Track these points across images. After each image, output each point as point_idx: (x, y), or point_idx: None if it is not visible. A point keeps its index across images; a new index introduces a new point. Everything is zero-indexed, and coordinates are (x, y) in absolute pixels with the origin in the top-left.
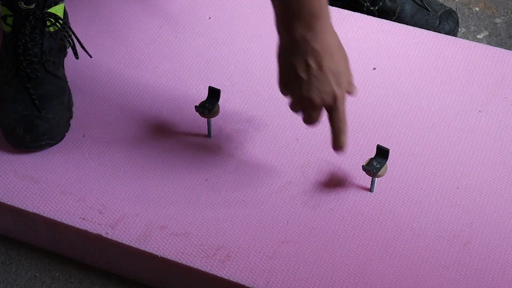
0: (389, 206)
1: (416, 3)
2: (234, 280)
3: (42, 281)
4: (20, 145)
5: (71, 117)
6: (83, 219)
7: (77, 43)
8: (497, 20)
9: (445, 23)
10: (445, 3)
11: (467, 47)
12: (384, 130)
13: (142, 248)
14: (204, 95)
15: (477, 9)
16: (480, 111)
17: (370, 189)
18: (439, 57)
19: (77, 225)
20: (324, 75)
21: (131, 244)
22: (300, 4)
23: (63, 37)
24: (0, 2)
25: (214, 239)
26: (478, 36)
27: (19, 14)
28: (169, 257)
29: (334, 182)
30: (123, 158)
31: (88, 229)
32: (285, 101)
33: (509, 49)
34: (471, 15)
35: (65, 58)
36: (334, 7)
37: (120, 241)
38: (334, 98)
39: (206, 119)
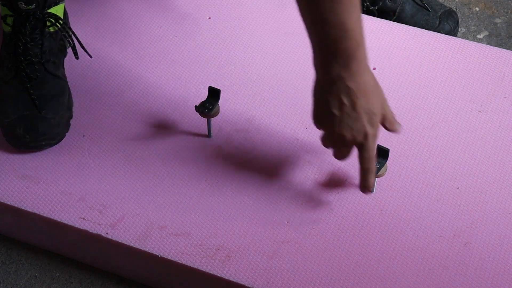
0: (389, 206)
1: (416, 3)
2: (234, 280)
3: (42, 281)
4: (20, 145)
5: (71, 117)
6: (83, 219)
7: (77, 43)
8: (497, 20)
9: (445, 23)
10: (445, 3)
11: (467, 47)
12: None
13: (142, 248)
14: (204, 95)
15: (477, 9)
16: (480, 111)
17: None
18: (439, 57)
19: (77, 225)
20: (357, 113)
21: (131, 244)
22: (337, 44)
23: (63, 37)
24: (0, 2)
25: (214, 239)
26: (478, 36)
27: (19, 14)
28: (169, 257)
29: (334, 182)
30: (123, 158)
31: (88, 229)
32: (285, 101)
33: (509, 49)
34: (471, 15)
35: (65, 58)
36: None
37: (120, 241)
38: (365, 136)
39: (206, 119)
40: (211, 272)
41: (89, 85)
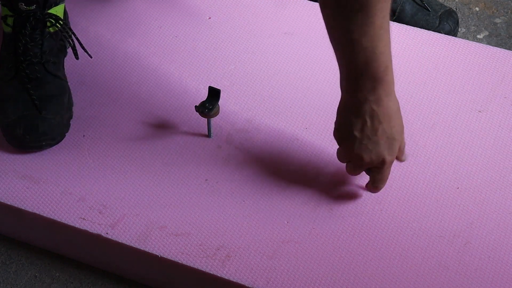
0: (389, 206)
1: (416, 3)
2: (234, 280)
3: (42, 281)
4: (20, 145)
5: (71, 117)
6: (83, 219)
7: (77, 43)
8: (497, 20)
9: (445, 23)
10: (445, 3)
11: (467, 47)
12: None
13: (142, 248)
14: (204, 95)
15: (477, 9)
16: (480, 111)
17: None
18: (439, 57)
19: (77, 225)
20: (377, 137)
21: (131, 244)
22: (367, 67)
23: (63, 38)
24: (0, 3)
25: (214, 239)
26: (478, 36)
27: (20, 15)
28: (169, 257)
29: (334, 182)
30: (123, 158)
31: (88, 229)
32: (285, 101)
33: (509, 49)
34: (471, 15)
35: (65, 58)
36: None
37: (120, 241)
38: (383, 162)
39: (206, 119)
40: (211, 272)
41: (89, 85)
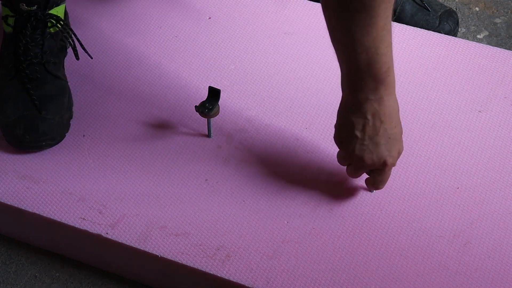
0: (389, 206)
1: (416, 3)
2: (234, 280)
3: (42, 281)
4: (20, 145)
5: (71, 117)
6: (83, 219)
7: (78, 43)
8: (497, 20)
9: (445, 23)
10: (445, 3)
11: (467, 47)
12: None
13: (142, 248)
14: (204, 95)
15: (477, 9)
16: (480, 111)
17: (370, 189)
18: (439, 57)
19: (77, 225)
20: (379, 137)
21: (131, 244)
22: (369, 68)
23: (64, 38)
24: (1, 3)
25: (214, 239)
26: (478, 36)
27: (21, 15)
28: (169, 257)
29: (334, 182)
30: (123, 158)
31: (88, 229)
32: (285, 101)
33: (509, 49)
34: (471, 15)
35: (65, 58)
36: None
37: (120, 241)
38: (384, 164)
39: (206, 119)
40: (211, 272)
41: (89, 85)
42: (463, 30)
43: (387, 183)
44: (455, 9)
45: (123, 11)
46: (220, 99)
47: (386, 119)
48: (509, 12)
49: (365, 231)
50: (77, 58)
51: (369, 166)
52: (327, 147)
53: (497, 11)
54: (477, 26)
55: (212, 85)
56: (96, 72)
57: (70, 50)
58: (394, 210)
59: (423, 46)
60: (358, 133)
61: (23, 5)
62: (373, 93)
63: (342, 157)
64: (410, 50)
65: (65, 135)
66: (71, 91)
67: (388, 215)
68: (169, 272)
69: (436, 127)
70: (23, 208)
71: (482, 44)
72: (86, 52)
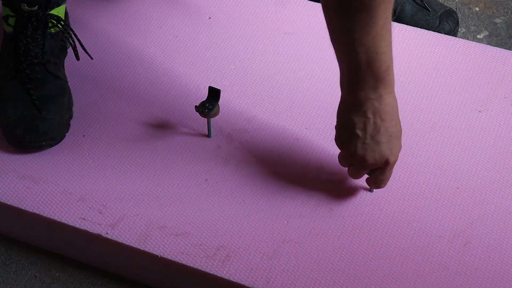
0: (389, 206)
1: (416, 3)
2: (234, 280)
3: (42, 281)
4: (20, 145)
5: (71, 117)
6: (83, 219)
7: (78, 44)
8: (497, 20)
9: (445, 23)
10: (445, 3)
11: (467, 47)
12: None
13: (142, 248)
14: (204, 95)
15: (477, 9)
16: (480, 111)
17: (370, 189)
18: (439, 57)
19: (77, 225)
20: (380, 135)
21: (131, 244)
22: (369, 67)
23: (65, 38)
24: (1, 2)
25: (214, 239)
26: (478, 36)
27: (21, 15)
28: (169, 257)
29: (334, 182)
30: (123, 158)
31: (88, 229)
32: (285, 101)
33: (509, 49)
34: (471, 15)
35: (65, 58)
36: None
37: (120, 241)
38: (386, 163)
39: (206, 119)
40: (211, 272)
41: (89, 85)
42: (463, 30)
43: (387, 184)
44: (455, 9)
45: (123, 11)
46: (220, 99)
47: (386, 117)
48: (509, 12)
49: (365, 231)
50: (78, 58)
51: (371, 166)
52: (327, 147)
53: (497, 11)
54: (477, 26)
55: (212, 85)
56: (96, 72)
57: (70, 50)
58: (394, 210)
59: (423, 46)
60: (359, 132)
61: (24, 5)
62: (373, 92)
63: (343, 158)
64: (410, 50)
65: (65, 135)
66: (71, 91)
67: (388, 215)
68: (169, 272)
69: (436, 127)
70: (23, 208)
71: (482, 44)
72: (86, 52)
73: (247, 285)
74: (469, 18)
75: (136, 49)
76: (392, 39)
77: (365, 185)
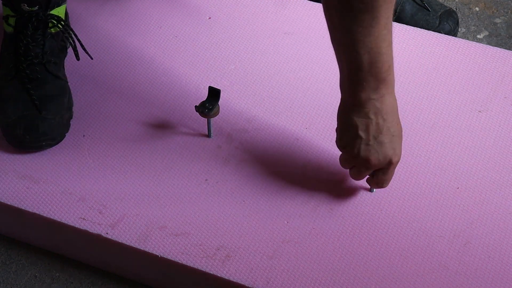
0: (389, 206)
1: (416, 3)
2: (234, 280)
3: (42, 281)
4: (20, 145)
5: (71, 117)
6: (83, 219)
7: (78, 44)
8: (497, 20)
9: (445, 23)
10: (445, 3)
11: (467, 47)
12: None
13: (142, 248)
14: (204, 95)
15: (477, 9)
16: (480, 111)
17: (370, 189)
18: (439, 57)
19: (77, 225)
20: (383, 136)
21: (131, 244)
22: (371, 67)
23: (65, 38)
24: (1, 2)
25: (214, 239)
26: (478, 36)
27: (22, 15)
28: (169, 257)
29: (334, 182)
30: (123, 158)
31: (88, 229)
32: (285, 101)
33: (509, 49)
34: (471, 15)
35: (65, 58)
36: None
37: (120, 241)
38: (389, 163)
39: (206, 119)
40: (211, 272)
41: (89, 85)
42: (463, 30)
43: None
44: (455, 9)
45: (123, 12)
46: (220, 99)
47: (388, 118)
48: (509, 12)
49: (365, 231)
50: (78, 58)
51: (375, 166)
52: (327, 147)
53: (497, 11)
54: (477, 26)
55: (212, 85)
56: (96, 72)
57: (70, 50)
58: (394, 210)
59: (423, 46)
60: (362, 134)
61: (24, 5)
62: (375, 93)
63: (346, 160)
64: (410, 50)
65: (65, 135)
66: (71, 91)
67: (388, 215)
68: (169, 272)
69: (436, 127)
70: (23, 208)
71: (482, 44)
72: (87, 52)
73: (247, 285)
74: (469, 18)
75: (136, 49)
76: (392, 39)
77: (365, 185)
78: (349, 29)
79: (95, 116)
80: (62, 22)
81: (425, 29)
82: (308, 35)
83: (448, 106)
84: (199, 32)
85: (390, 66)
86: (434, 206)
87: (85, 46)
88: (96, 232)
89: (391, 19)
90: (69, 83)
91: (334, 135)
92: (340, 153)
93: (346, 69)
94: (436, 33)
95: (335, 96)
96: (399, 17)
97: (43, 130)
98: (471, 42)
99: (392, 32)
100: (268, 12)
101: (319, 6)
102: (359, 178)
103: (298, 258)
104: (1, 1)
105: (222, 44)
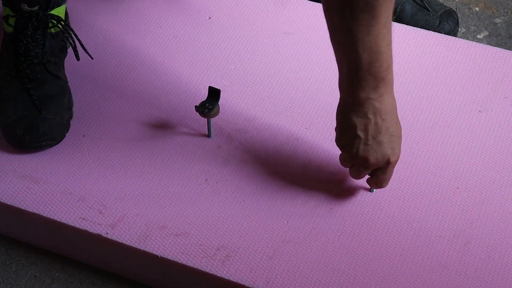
0: (389, 206)
1: (416, 3)
2: (234, 280)
3: (42, 281)
4: (20, 145)
5: (71, 117)
6: (83, 219)
7: (78, 44)
8: (497, 20)
9: (445, 23)
10: (445, 3)
11: (467, 47)
12: None
13: (142, 248)
14: (204, 95)
15: (477, 9)
16: (480, 111)
17: (370, 189)
18: (439, 57)
19: (77, 225)
20: (382, 135)
21: (131, 244)
22: (370, 67)
23: (65, 38)
24: (1, 2)
25: (214, 239)
26: (478, 36)
27: (22, 15)
28: (169, 257)
29: (334, 182)
30: (123, 158)
31: (88, 229)
32: (285, 101)
33: (509, 49)
34: (471, 15)
35: (65, 58)
36: None
37: (120, 241)
38: (388, 162)
39: (206, 119)
40: (211, 272)
41: (89, 85)
42: (463, 30)
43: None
44: (455, 9)
45: (123, 12)
46: (220, 99)
47: (387, 117)
48: (509, 12)
49: (365, 231)
50: (78, 58)
51: (374, 166)
52: (327, 147)
53: (497, 11)
54: (477, 26)
55: (212, 85)
56: (96, 72)
57: (70, 50)
58: (394, 210)
59: (423, 46)
60: (360, 133)
61: (24, 5)
62: (374, 92)
63: (345, 160)
64: (410, 50)
65: (65, 135)
66: (71, 91)
67: (388, 215)
68: (169, 272)
69: (436, 127)
70: (23, 208)
71: (482, 44)
72: (87, 52)
73: (247, 285)
74: (469, 18)
75: (136, 49)
76: (392, 39)
77: (365, 185)
78: (348, 28)
79: (95, 116)
80: (62, 22)
81: (425, 29)
82: (308, 35)
83: (448, 106)
84: (199, 32)
85: (390, 65)
86: (434, 206)
87: (85, 46)
88: (96, 232)
89: (391, 18)
90: (69, 83)
91: (334, 135)
92: (340, 152)
93: (345, 69)
94: (436, 33)
95: (335, 96)
96: (399, 17)
97: (43, 130)
98: (471, 42)
99: (392, 32)
100: (268, 12)
101: (319, 6)
102: (358, 177)
103: (298, 258)
104: (1, 1)
105: (222, 44)
